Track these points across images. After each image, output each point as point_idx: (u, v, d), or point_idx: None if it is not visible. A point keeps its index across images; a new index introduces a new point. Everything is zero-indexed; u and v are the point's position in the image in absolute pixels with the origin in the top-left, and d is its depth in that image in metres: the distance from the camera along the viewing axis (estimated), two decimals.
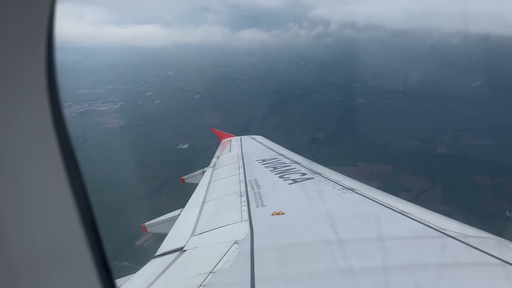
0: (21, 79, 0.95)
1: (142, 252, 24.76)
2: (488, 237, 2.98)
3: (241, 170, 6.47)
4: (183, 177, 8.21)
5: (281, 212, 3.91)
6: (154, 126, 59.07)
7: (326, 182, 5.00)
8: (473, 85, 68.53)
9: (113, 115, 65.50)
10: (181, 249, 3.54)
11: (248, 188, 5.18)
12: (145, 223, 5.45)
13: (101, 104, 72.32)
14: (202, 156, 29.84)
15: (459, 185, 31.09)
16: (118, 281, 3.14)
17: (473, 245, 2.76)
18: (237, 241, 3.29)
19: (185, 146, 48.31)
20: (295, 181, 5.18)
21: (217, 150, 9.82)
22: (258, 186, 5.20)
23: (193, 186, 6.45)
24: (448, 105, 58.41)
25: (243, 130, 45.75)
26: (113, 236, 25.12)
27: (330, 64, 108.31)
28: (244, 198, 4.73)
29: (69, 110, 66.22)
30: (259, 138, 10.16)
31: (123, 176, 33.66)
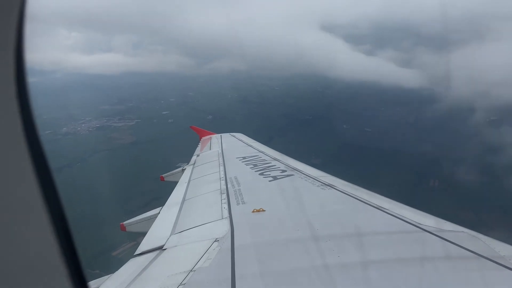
0: None
1: (117, 261, 25.58)
2: (463, 231, 3.05)
3: (221, 168, 6.43)
4: (163, 175, 8.11)
5: (261, 209, 3.89)
6: (161, 144, 61.38)
7: (306, 179, 5.05)
8: (487, 120, 66.39)
9: (126, 131, 68.83)
10: (160, 248, 3.51)
11: (229, 186, 5.14)
12: (124, 222, 5.33)
13: (118, 121, 76.15)
14: None
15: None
16: (97, 281, 3.15)
17: (448, 239, 2.83)
18: (217, 239, 3.27)
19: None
20: (275, 178, 5.19)
21: (197, 148, 9.75)
22: (239, 184, 5.17)
23: (175, 186, 6.32)
24: (456, 139, 56.88)
25: None
26: (89, 247, 26.27)
27: (347, 92, 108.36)
28: (224, 195, 4.70)
29: (87, 125, 70.36)
30: (239, 135, 10.18)
31: (115, 190, 35.28)
